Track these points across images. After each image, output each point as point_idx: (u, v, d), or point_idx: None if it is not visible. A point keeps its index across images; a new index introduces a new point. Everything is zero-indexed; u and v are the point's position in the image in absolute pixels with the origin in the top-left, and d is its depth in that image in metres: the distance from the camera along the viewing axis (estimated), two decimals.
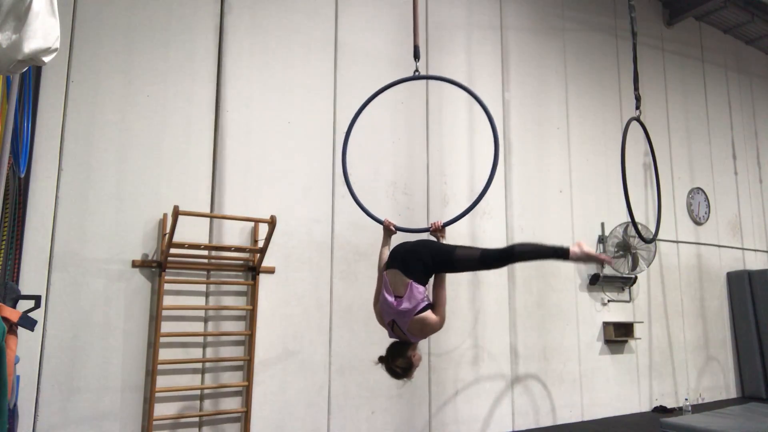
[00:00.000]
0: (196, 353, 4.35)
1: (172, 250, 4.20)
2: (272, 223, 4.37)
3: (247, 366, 4.48)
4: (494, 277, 6.00)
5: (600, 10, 7.68)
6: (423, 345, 5.25)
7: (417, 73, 3.72)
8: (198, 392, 4.33)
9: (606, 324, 6.81)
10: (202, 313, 4.44)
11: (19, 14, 1.95)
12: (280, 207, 4.74)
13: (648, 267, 6.97)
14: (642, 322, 7.17)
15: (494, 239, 6.07)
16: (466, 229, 5.88)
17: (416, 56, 3.79)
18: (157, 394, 4.06)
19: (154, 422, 4.02)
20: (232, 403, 4.44)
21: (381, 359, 3.05)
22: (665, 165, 7.83)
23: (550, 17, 7.13)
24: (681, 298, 7.79)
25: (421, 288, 3.00)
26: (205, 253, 4.47)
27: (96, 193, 4.16)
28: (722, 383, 8.00)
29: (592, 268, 6.83)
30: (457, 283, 5.68)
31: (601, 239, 6.93)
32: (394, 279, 3.03)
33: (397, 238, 3.31)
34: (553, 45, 7.08)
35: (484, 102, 3.44)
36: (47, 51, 2.07)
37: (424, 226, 3.71)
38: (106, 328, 4.05)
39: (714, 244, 8.38)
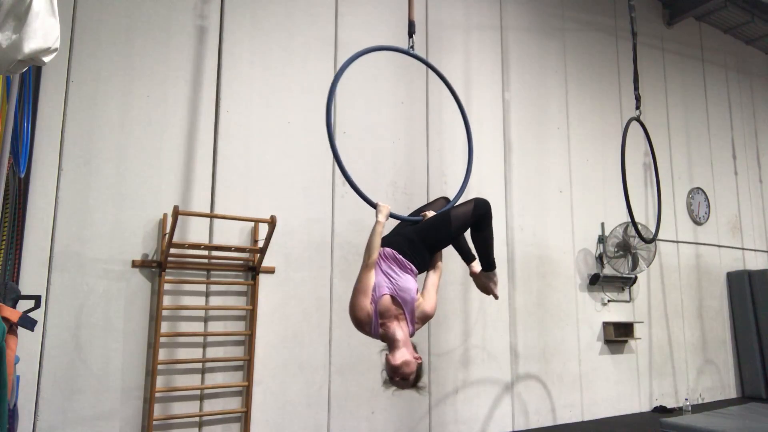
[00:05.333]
0: (196, 353, 4.34)
1: (172, 250, 4.21)
2: (272, 223, 4.37)
3: (247, 366, 4.48)
4: None
5: (600, 10, 7.68)
6: (423, 345, 5.27)
7: (411, 50, 3.52)
8: (198, 392, 4.32)
9: (606, 324, 6.81)
10: (202, 313, 4.44)
11: (19, 14, 1.95)
12: (280, 207, 4.74)
13: (648, 267, 6.97)
14: (642, 322, 7.17)
15: (494, 239, 6.05)
16: None
17: (411, 32, 3.57)
18: (157, 394, 4.06)
19: (154, 422, 4.02)
20: (232, 403, 4.44)
21: None
22: (665, 165, 7.83)
23: (550, 17, 7.13)
24: (681, 298, 7.79)
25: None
26: (205, 253, 4.47)
27: (96, 193, 4.16)
28: (722, 383, 8.00)
29: (592, 269, 6.83)
30: (456, 282, 5.68)
31: (601, 239, 6.94)
32: None
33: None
34: (553, 45, 7.08)
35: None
36: (47, 51, 2.07)
37: None
38: (106, 328, 4.04)
39: (714, 244, 8.38)
